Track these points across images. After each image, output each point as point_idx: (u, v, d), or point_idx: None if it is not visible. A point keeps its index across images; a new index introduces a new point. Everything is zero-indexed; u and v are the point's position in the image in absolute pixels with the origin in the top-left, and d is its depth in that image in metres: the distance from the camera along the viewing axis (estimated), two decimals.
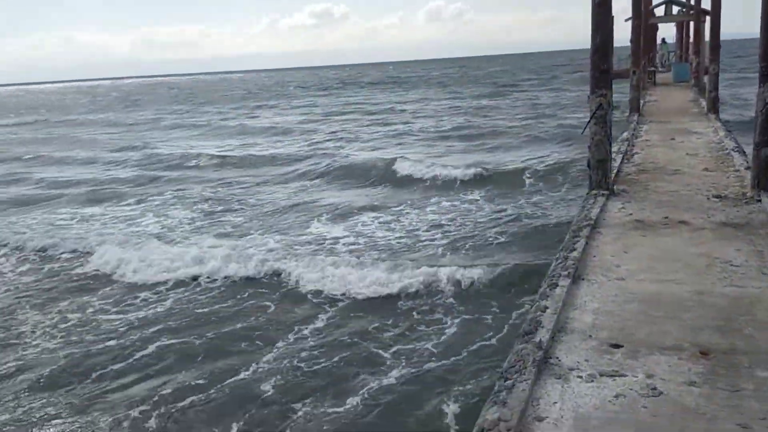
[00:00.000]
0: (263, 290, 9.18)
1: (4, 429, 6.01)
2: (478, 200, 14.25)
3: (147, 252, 10.91)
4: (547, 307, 4.40)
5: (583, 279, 5.05)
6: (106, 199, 16.93)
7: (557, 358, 3.81)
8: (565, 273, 5.01)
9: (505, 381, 3.53)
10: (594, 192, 7.75)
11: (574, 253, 5.51)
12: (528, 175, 16.05)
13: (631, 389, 3.44)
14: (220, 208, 15.04)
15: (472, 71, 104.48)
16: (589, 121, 7.74)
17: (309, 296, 8.78)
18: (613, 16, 8.15)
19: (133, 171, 22.20)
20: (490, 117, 31.77)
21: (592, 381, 3.54)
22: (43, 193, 18.63)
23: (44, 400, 6.50)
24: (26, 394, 6.67)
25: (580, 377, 3.58)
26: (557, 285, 4.79)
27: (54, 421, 6.10)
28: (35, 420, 6.15)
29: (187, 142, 29.82)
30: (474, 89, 56.19)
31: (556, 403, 3.35)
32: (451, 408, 5.81)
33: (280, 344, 7.39)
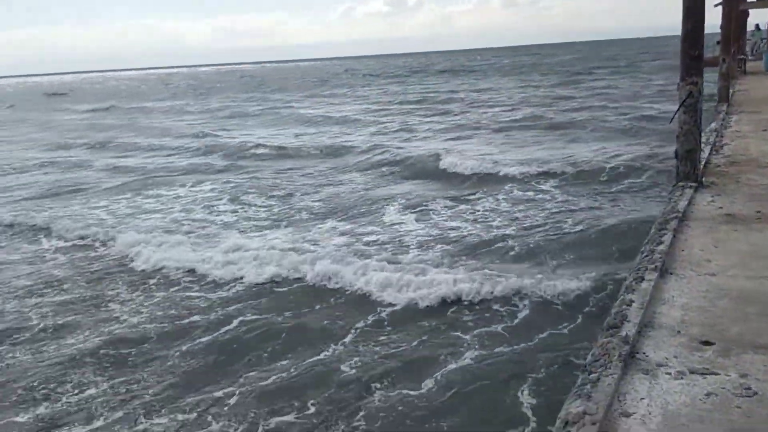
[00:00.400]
0: (340, 277, 9.18)
1: (92, 404, 6.22)
2: (552, 191, 13.97)
3: (223, 240, 11.37)
4: (633, 301, 4.29)
5: (671, 273, 4.89)
6: (185, 183, 17.62)
7: (644, 353, 3.72)
8: (652, 266, 4.86)
9: (589, 374, 3.48)
10: (681, 184, 7.44)
11: (661, 247, 5.33)
12: (603, 167, 15.57)
13: (723, 388, 3.32)
14: (293, 195, 15.35)
15: (546, 59, 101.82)
16: (677, 110, 7.42)
17: (385, 287, 8.68)
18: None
19: (207, 158, 22.83)
20: (562, 107, 30.95)
21: (682, 378, 3.44)
22: (126, 178, 19.44)
23: (131, 376, 6.72)
24: (113, 369, 6.89)
25: (669, 374, 3.49)
26: (644, 279, 4.66)
27: (141, 398, 6.27)
28: (123, 395, 6.34)
29: (258, 130, 30.53)
30: (547, 78, 54.86)
31: (643, 399, 3.28)
32: (525, 395, 5.83)
33: (359, 325, 7.55)
